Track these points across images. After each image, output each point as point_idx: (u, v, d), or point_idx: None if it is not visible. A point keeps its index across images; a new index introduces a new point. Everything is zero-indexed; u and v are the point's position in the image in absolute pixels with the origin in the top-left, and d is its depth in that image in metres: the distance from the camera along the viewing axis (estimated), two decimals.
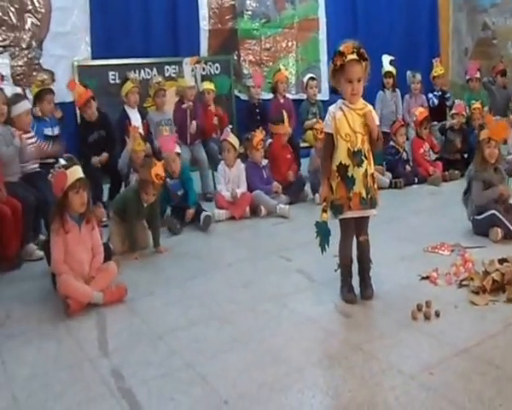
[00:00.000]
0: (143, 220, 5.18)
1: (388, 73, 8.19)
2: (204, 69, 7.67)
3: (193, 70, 7.19)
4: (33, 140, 5.48)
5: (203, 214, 5.65)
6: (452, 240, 4.78)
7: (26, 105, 5.44)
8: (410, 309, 3.52)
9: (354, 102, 3.62)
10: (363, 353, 3.09)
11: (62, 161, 3.95)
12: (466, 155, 7.34)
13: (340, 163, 3.60)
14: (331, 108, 3.68)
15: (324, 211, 3.63)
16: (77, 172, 3.94)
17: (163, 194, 5.63)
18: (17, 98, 5.50)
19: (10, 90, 5.52)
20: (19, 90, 6.32)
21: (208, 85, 7.32)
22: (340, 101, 3.67)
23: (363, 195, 3.63)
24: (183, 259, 4.87)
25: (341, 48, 3.48)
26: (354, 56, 3.49)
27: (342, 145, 3.59)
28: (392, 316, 3.55)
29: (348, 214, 3.68)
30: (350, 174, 3.60)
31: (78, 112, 6.88)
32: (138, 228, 5.14)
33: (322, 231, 3.63)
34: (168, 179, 5.67)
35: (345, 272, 3.84)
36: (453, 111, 7.70)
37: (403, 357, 3.04)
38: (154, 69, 7.71)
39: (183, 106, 6.82)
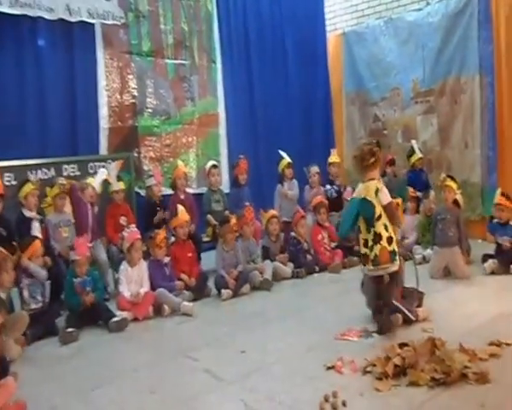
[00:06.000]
0: None
1: (288, 164, 8.40)
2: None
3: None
4: None
5: (115, 319, 5.53)
6: (358, 325, 4.88)
7: None
8: (319, 401, 3.53)
9: None
10: None
11: None
12: None
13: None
14: (379, 185, 4.92)
15: None
16: None
17: (68, 291, 5.69)
18: None
19: None
20: None
21: (119, 185, 7.33)
22: (374, 182, 4.92)
23: None
24: (85, 367, 4.64)
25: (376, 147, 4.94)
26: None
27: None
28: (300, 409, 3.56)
29: None
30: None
31: None
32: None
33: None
34: (74, 279, 5.67)
35: None
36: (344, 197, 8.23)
37: None
38: (52, 169, 7.31)
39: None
